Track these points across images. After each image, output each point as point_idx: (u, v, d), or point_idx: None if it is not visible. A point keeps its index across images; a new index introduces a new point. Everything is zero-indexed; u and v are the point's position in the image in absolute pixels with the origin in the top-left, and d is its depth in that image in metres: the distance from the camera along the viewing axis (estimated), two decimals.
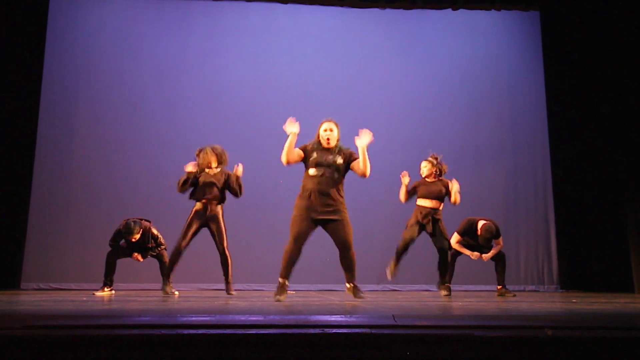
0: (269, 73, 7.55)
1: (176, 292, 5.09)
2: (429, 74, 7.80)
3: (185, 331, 2.09)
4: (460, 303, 4.04)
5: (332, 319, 2.48)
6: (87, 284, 6.63)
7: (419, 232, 5.25)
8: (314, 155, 4.03)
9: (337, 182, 4.03)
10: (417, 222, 5.22)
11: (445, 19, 7.95)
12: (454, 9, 7.92)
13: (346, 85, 7.62)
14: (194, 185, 5.03)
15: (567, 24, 7.76)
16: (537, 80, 7.88)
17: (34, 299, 4.35)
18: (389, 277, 5.23)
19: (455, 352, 2.08)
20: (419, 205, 5.31)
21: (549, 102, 7.78)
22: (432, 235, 5.22)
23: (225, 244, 4.91)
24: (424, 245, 5.53)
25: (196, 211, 4.95)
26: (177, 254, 4.89)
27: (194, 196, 5.01)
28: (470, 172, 7.60)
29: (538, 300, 4.76)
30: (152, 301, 4.12)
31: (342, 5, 7.82)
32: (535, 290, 7.24)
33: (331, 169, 4.00)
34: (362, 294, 4.06)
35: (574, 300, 4.62)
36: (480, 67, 7.87)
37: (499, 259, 5.61)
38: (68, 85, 7.28)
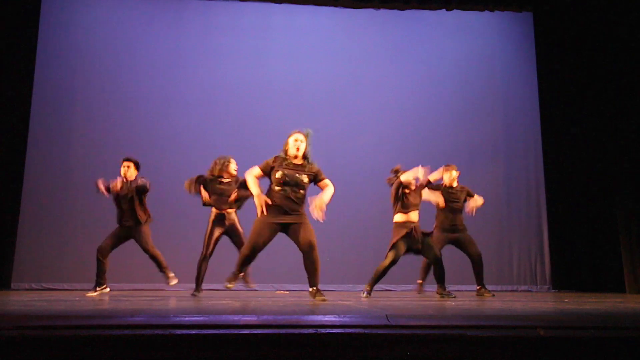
0: (263, 73, 7.55)
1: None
2: (423, 74, 7.82)
3: (179, 331, 2.09)
4: (453, 303, 4.05)
5: (326, 319, 2.48)
6: (79, 284, 6.61)
7: (406, 250, 4.94)
8: (279, 172, 4.04)
9: (301, 196, 4.08)
10: (404, 241, 4.88)
11: (439, 20, 7.99)
12: (447, 10, 7.96)
13: (340, 85, 7.64)
14: (206, 190, 5.03)
15: (560, 25, 7.81)
16: (530, 81, 7.93)
17: (25, 299, 4.32)
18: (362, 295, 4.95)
19: (449, 352, 2.08)
20: (399, 222, 4.95)
21: (542, 103, 7.83)
22: (422, 250, 4.98)
23: None
24: None
25: (215, 219, 4.99)
26: (203, 261, 4.97)
27: (213, 205, 5.03)
28: (463, 172, 7.61)
29: (530, 300, 4.78)
30: (145, 301, 4.10)
31: (336, 5, 7.83)
32: (527, 290, 7.28)
33: (297, 188, 4.05)
34: (323, 296, 4.08)
35: (566, 300, 4.65)
36: (474, 67, 7.90)
37: (475, 259, 5.51)
38: (60, 82, 7.24)
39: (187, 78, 7.47)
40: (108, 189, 5.14)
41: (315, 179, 4.16)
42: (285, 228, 4.06)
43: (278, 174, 4.03)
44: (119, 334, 2.07)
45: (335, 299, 4.50)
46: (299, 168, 4.10)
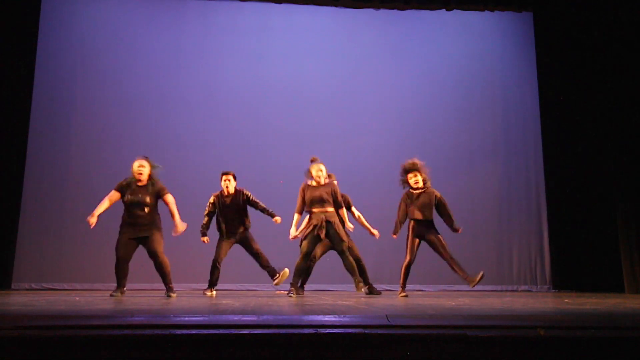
0: (263, 73, 7.56)
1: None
2: (423, 74, 7.83)
3: (179, 331, 2.08)
4: (453, 303, 4.05)
5: (326, 319, 2.48)
6: (79, 284, 6.62)
7: (316, 243, 5.06)
8: (128, 195, 4.77)
9: (148, 212, 4.76)
10: (312, 233, 4.99)
11: (439, 20, 7.99)
12: (447, 10, 7.96)
13: (340, 85, 7.64)
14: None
15: (560, 25, 7.81)
16: (530, 81, 7.93)
17: (25, 299, 4.32)
18: (286, 290, 5.13)
19: (449, 352, 2.08)
20: (312, 212, 5.07)
21: (542, 103, 7.84)
22: (329, 241, 5.06)
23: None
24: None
25: (414, 227, 5.25)
26: (408, 266, 5.19)
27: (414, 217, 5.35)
28: (463, 172, 7.64)
29: (531, 300, 4.78)
30: (145, 301, 4.10)
31: (336, 5, 7.84)
32: (528, 290, 7.28)
33: (143, 205, 4.75)
34: (173, 294, 4.80)
35: (566, 300, 4.65)
36: (474, 67, 7.91)
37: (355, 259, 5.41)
38: (60, 82, 7.25)
39: (187, 78, 7.47)
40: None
41: (160, 194, 4.82)
42: (140, 242, 4.77)
43: (127, 195, 4.74)
44: (119, 334, 2.07)
45: (335, 299, 4.50)
46: (143, 188, 4.77)
